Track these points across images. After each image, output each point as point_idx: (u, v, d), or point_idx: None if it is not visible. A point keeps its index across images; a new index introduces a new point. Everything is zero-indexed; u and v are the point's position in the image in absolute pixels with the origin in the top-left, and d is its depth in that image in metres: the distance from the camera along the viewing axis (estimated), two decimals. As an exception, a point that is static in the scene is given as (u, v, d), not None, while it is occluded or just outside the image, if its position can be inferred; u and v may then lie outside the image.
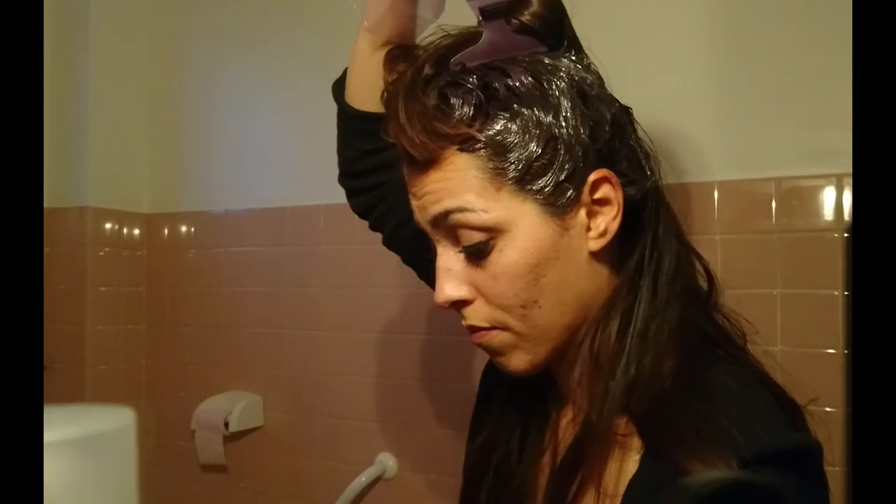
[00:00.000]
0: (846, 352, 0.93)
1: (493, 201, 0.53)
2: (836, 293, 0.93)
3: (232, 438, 1.42)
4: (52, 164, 1.50)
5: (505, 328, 0.56)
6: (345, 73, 0.74)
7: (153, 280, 1.59)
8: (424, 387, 1.26)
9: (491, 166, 0.53)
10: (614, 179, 0.55)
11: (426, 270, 0.74)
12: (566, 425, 0.61)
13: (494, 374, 0.66)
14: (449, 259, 0.56)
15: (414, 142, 0.53)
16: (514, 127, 0.52)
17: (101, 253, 1.51)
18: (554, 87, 0.53)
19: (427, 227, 0.57)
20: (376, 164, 0.73)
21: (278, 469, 1.42)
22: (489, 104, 0.53)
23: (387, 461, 1.29)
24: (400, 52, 0.62)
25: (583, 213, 0.55)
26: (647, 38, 1.05)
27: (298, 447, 1.39)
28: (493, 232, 0.53)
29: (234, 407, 1.38)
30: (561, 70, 0.54)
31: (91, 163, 1.49)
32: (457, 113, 0.53)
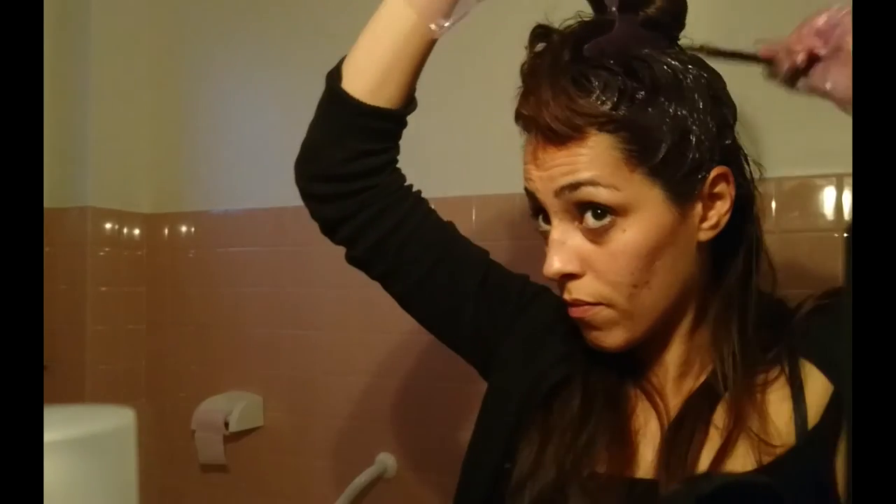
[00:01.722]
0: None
1: (624, 181, 0.55)
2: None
3: (232, 438, 1.42)
4: (52, 164, 1.50)
5: (610, 305, 0.58)
6: (341, 63, 0.68)
7: (153, 280, 1.59)
8: (424, 387, 1.26)
9: (627, 148, 0.55)
10: (731, 177, 0.59)
11: (409, 285, 0.73)
12: (674, 391, 0.63)
13: (565, 365, 0.66)
14: (564, 232, 0.58)
15: (556, 117, 0.55)
16: (653, 112, 0.55)
17: (101, 253, 1.51)
18: (689, 81, 0.57)
19: (545, 198, 0.58)
20: (368, 168, 0.68)
21: (278, 469, 1.42)
22: (633, 90, 0.55)
23: (387, 461, 1.29)
24: (541, 32, 0.62)
25: (700, 204, 0.58)
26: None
27: (298, 447, 1.39)
28: (619, 210, 0.55)
29: (234, 407, 1.38)
30: (692, 68, 0.58)
31: (91, 163, 1.49)
32: (602, 95, 0.55)
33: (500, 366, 0.72)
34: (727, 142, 0.59)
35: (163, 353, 1.57)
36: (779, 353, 0.61)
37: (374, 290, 1.34)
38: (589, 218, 0.56)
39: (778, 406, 0.58)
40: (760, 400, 0.58)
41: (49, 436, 0.26)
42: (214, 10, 1.54)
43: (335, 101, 0.68)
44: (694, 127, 0.56)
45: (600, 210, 0.56)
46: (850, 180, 0.95)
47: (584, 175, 0.55)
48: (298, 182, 0.73)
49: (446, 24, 0.64)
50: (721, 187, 0.58)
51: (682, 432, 0.58)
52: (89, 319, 1.47)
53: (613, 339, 0.59)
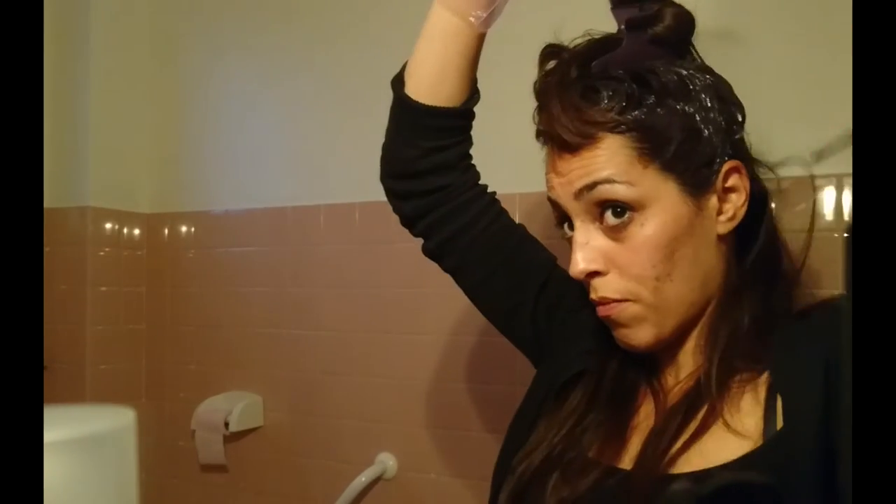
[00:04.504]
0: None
1: (639, 177, 0.58)
2: (836, 293, 0.93)
3: (232, 438, 1.42)
4: (52, 164, 1.50)
5: (636, 300, 0.60)
6: (404, 67, 0.73)
7: (153, 280, 1.59)
8: (424, 387, 1.26)
9: (639, 146, 0.58)
10: (744, 170, 0.61)
11: (475, 281, 0.77)
12: (676, 390, 0.64)
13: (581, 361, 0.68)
14: (587, 233, 0.61)
15: (568, 128, 0.59)
16: (661, 112, 0.58)
17: (101, 253, 1.51)
18: (696, 82, 0.60)
19: (566, 203, 0.61)
20: (438, 164, 0.73)
21: (278, 469, 1.42)
22: (640, 94, 0.58)
23: (387, 461, 1.29)
24: (551, 51, 0.66)
25: (714, 198, 0.60)
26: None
27: (298, 447, 1.39)
28: (636, 206, 0.58)
29: (234, 407, 1.38)
30: (698, 73, 0.61)
31: (91, 163, 1.49)
32: (610, 102, 0.58)
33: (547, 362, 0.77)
34: (737, 136, 0.61)
35: (163, 353, 1.57)
36: (763, 356, 0.60)
37: (374, 290, 1.35)
38: (609, 216, 0.59)
39: (751, 407, 0.58)
40: (736, 398, 0.58)
41: (49, 436, 0.26)
42: (214, 11, 1.54)
43: (401, 106, 0.73)
44: (702, 123, 0.59)
45: (619, 208, 0.58)
46: (850, 180, 0.95)
47: (599, 175, 0.58)
48: (382, 180, 0.77)
49: (484, 16, 0.67)
50: (734, 180, 0.61)
51: (663, 429, 0.60)
52: (89, 319, 1.47)
53: (642, 336, 0.61)
